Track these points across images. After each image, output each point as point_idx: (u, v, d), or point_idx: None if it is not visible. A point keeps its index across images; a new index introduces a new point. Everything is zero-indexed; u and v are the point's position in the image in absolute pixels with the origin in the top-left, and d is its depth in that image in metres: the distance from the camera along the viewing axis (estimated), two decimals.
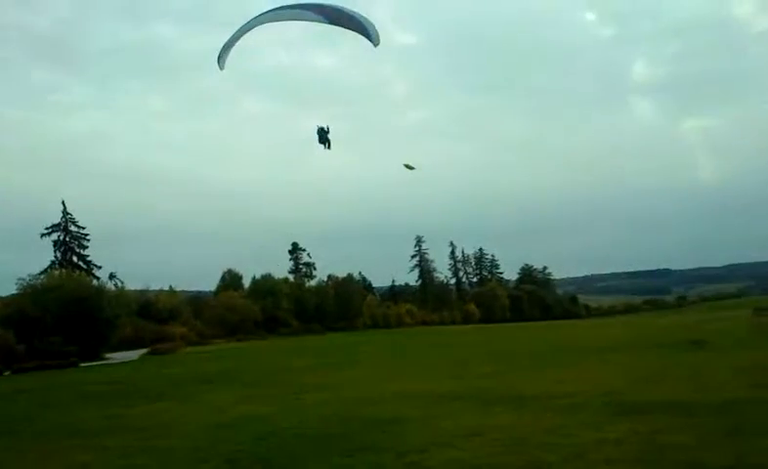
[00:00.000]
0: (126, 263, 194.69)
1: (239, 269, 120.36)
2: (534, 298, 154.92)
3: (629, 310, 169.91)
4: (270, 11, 21.19)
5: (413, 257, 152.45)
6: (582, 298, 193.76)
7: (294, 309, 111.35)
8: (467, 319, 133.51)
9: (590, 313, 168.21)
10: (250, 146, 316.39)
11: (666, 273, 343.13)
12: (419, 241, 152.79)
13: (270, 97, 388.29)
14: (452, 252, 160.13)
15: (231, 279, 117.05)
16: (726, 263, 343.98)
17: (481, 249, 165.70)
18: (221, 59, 22.62)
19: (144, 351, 70.42)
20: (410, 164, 27.49)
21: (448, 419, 18.35)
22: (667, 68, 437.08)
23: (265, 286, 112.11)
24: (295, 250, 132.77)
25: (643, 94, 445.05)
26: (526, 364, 37.11)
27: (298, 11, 20.89)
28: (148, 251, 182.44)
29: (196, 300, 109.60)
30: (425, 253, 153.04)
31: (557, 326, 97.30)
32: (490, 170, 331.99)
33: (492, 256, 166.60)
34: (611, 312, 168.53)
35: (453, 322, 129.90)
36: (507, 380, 28.90)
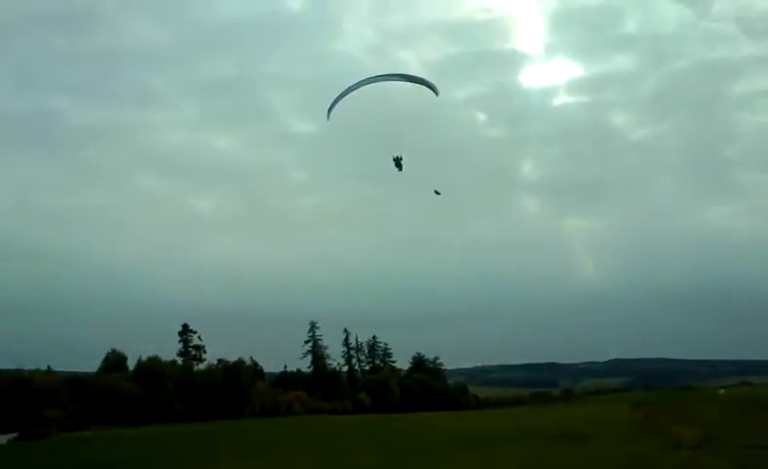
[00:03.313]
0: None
1: (124, 349, 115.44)
2: (426, 388, 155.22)
3: (517, 402, 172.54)
4: (366, 79, 31.84)
5: (306, 342, 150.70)
6: (472, 389, 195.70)
7: (181, 393, 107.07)
8: (358, 408, 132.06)
9: (480, 404, 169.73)
10: (142, 223, 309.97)
11: (554, 366, 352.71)
12: (313, 327, 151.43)
13: (164, 174, 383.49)
14: (346, 339, 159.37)
15: (114, 360, 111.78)
16: (609, 358, 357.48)
17: (374, 337, 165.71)
18: (329, 113, 32.20)
19: (13, 435, 65.69)
20: (438, 189, 36.74)
21: None
22: (552, 169, 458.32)
23: (151, 369, 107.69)
24: (185, 332, 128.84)
25: (530, 192, 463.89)
26: (414, 456, 36.98)
27: (385, 76, 32.38)
28: (24, 328, 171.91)
29: (76, 381, 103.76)
30: (318, 339, 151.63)
31: (447, 417, 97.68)
32: (384, 259, 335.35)
33: (386, 344, 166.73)
34: (499, 403, 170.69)
35: (345, 411, 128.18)
36: None
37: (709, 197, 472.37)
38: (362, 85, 31.51)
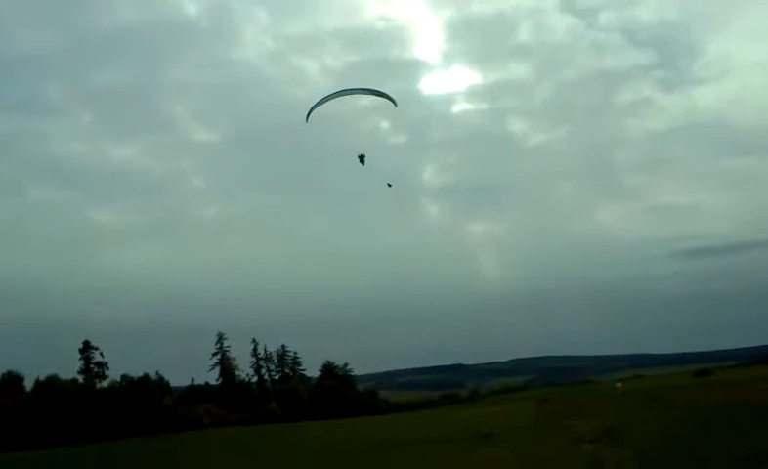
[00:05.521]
0: None
1: (20, 369, 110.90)
2: (336, 394, 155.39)
3: (427, 404, 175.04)
4: (337, 92, 35.83)
5: (214, 355, 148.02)
6: (383, 393, 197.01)
7: (83, 413, 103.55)
8: (268, 418, 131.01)
9: (390, 408, 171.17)
10: (37, 236, 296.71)
11: (460, 368, 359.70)
12: (221, 338, 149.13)
13: (60, 185, 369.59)
14: (255, 349, 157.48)
15: (10, 382, 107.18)
16: (511, 358, 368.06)
17: (283, 346, 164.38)
18: (307, 118, 35.51)
19: None
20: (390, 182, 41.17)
21: None
22: (454, 175, 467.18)
23: (50, 389, 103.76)
24: (86, 349, 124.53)
25: (433, 198, 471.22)
26: (326, 465, 37.50)
27: (351, 88, 36.32)
28: None
29: None
30: (227, 350, 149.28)
31: (356, 423, 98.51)
32: (291, 267, 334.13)
33: (295, 353, 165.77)
34: (410, 406, 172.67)
35: (255, 421, 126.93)
36: None
37: (601, 200, 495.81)
38: (332, 98, 35.69)
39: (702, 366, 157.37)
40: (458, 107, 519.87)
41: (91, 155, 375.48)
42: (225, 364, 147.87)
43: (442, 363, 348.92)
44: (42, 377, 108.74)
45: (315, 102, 35.23)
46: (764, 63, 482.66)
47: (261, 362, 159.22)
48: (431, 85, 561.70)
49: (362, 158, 35.83)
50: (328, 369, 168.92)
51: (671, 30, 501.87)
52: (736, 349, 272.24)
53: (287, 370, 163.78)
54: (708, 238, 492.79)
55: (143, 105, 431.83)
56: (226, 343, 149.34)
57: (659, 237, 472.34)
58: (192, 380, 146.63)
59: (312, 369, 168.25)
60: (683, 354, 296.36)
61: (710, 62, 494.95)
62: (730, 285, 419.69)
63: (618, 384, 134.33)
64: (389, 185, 40.19)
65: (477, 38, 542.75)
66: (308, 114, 35.74)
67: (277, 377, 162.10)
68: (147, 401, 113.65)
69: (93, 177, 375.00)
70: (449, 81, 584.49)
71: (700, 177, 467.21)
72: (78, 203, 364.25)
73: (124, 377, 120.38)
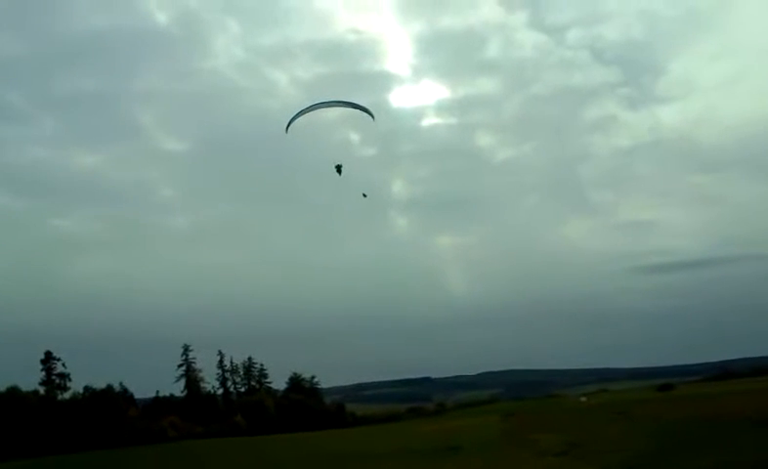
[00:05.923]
0: None
1: None
2: (302, 408, 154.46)
3: (394, 417, 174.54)
4: (317, 103, 36.15)
5: (180, 366, 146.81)
6: (350, 406, 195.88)
7: (45, 425, 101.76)
8: (234, 431, 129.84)
9: (357, 421, 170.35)
10: None
11: (427, 381, 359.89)
12: (186, 350, 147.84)
13: (22, 193, 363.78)
14: (221, 361, 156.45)
15: None
16: (479, 371, 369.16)
17: (250, 358, 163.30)
18: (287, 128, 35.80)
19: None
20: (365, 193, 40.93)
21: None
22: (423, 188, 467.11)
23: (10, 400, 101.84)
24: (48, 359, 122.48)
25: (401, 211, 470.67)
26: None
27: (331, 101, 36.46)
28: None
29: None
30: (192, 362, 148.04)
31: (324, 436, 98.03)
32: (258, 279, 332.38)
33: (262, 365, 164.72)
34: (377, 420, 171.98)
35: (220, 434, 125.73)
36: None
37: (568, 215, 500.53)
38: (313, 110, 36.46)
39: (665, 381, 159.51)
40: (428, 121, 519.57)
41: (55, 163, 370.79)
42: (190, 376, 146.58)
43: (409, 376, 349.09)
44: (2, 388, 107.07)
45: (295, 113, 36.32)
46: (726, 84, 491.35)
47: (227, 375, 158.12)
48: (401, 98, 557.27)
49: (338, 168, 36.32)
50: (295, 382, 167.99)
51: (636, 49, 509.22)
52: (699, 364, 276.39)
53: (254, 383, 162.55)
54: (672, 255, 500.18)
55: (111, 112, 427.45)
56: (191, 355, 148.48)
57: (624, 253, 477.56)
58: (157, 392, 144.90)
59: (278, 382, 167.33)
60: (647, 368, 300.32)
61: (674, 81, 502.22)
62: (694, 302, 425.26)
63: (583, 399, 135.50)
64: (364, 195, 40.26)
65: (446, 53, 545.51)
66: (288, 125, 36.08)
67: (243, 389, 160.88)
68: (110, 413, 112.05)
69: (56, 185, 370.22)
70: (419, 95, 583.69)
71: (664, 193, 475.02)
72: (42, 211, 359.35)
73: (87, 388, 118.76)
